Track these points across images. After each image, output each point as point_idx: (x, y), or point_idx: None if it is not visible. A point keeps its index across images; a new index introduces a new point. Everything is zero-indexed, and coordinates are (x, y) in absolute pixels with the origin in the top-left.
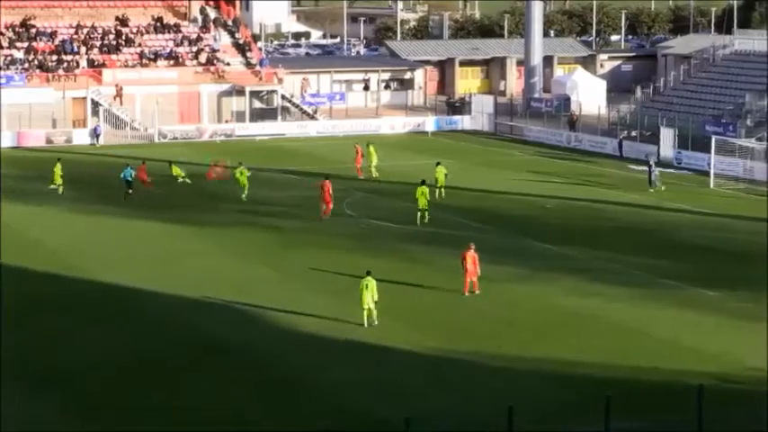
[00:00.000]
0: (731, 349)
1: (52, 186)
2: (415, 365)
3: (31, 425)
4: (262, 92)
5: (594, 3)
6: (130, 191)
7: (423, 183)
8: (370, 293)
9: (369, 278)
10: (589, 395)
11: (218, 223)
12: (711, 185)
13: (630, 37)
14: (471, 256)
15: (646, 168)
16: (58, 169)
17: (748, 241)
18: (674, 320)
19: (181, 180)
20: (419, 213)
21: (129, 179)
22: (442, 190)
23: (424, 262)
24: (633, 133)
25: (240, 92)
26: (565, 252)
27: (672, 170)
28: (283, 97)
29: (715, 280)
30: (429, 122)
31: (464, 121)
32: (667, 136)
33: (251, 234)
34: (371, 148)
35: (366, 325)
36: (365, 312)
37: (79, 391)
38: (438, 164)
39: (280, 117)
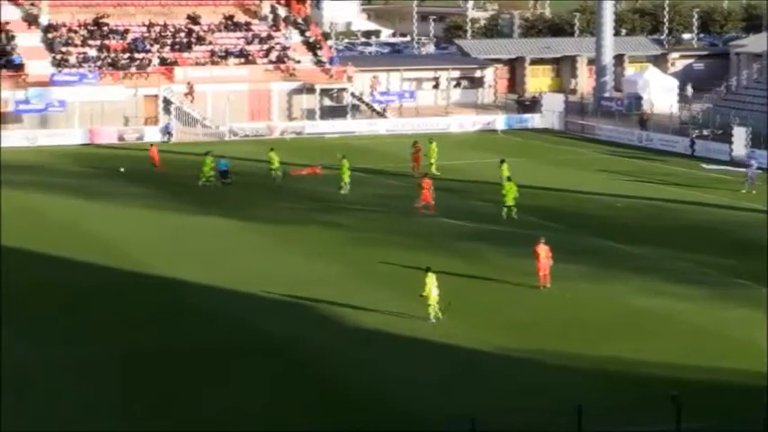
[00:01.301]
0: None
1: (203, 181)
2: (478, 363)
3: (88, 409)
4: (332, 90)
5: (666, 1)
6: (228, 180)
7: (509, 179)
8: (437, 289)
9: (432, 274)
10: (657, 395)
11: (279, 220)
12: None
13: (703, 35)
14: (543, 248)
15: (745, 170)
16: (208, 163)
17: None
18: (746, 320)
19: (273, 173)
20: (505, 209)
21: (225, 169)
22: None
23: (490, 260)
24: (705, 132)
25: (310, 90)
26: (635, 251)
27: (744, 169)
28: (353, 95)
29: None
30: (499, 121)
31: (534, 120)
32: (740, 135)
33: (313, 231)
34: (433, 146)
35: (433, 320)
36: (432, 308)
37: (132, 379)
38: (502, 161)
39: (349, 115)
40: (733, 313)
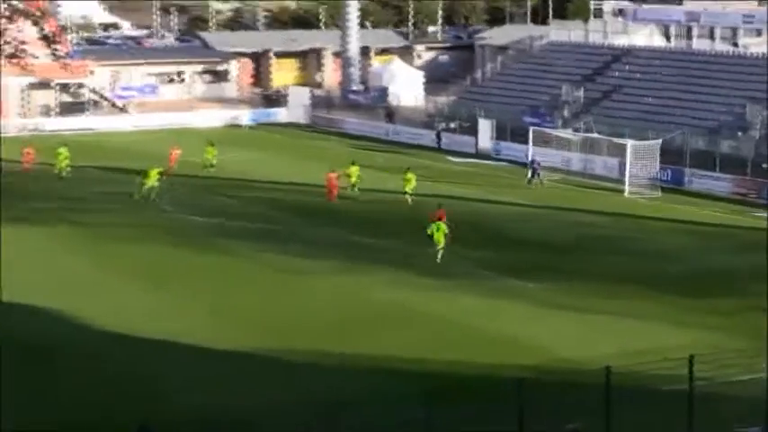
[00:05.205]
0: (545, 340)
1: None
2: (231, 362)
3: None
4: (70, 85)
5: None
6: None
7: (408, 169)
8: (442, 233)
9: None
10: (408, 387)
11: (29, 220)
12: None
13: (448, 28)
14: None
15: (528, 167)
16: (64, 153)
17: (565, 232)
18: (491, 311)
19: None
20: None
21: None
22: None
23: (242, 256)
24: (452, 125)
25: (47, 85)
26: (383, 244)
27: (490, 162)
28: (92, 90)
29: (532, 270)
30: (245, 115)
31: (281, 114)
32: (485, 127)
33: (62, 229)
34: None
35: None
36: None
37: None
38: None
39: (89, 110)
40: (479, 304)
